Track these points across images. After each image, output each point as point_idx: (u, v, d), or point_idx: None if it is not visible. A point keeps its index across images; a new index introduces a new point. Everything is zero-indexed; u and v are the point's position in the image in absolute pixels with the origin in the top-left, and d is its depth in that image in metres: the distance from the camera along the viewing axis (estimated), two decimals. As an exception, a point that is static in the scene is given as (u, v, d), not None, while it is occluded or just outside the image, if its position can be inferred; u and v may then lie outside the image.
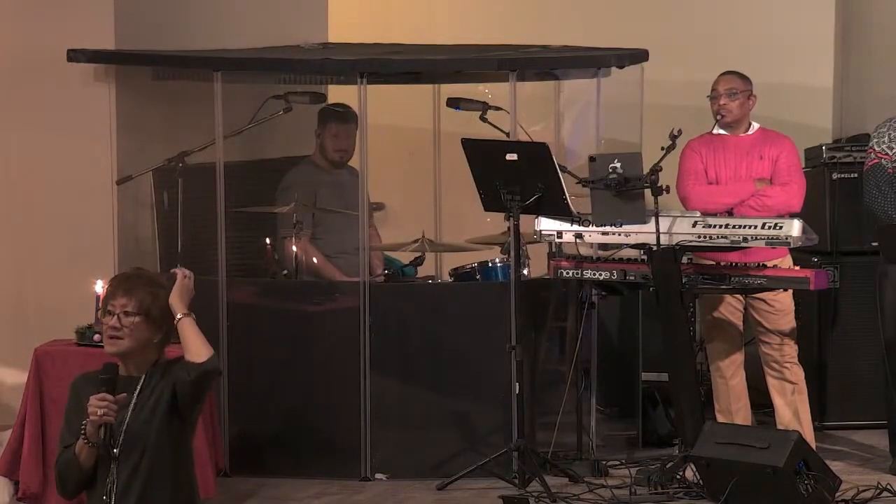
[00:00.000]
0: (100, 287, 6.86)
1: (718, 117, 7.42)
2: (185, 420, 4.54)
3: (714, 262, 7.22)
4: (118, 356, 4.53)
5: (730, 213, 7.27)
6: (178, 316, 4.54)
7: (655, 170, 6.99)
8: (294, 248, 7.65)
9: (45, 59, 7.65)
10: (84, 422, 4.43)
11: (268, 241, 7.80)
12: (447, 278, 7.96)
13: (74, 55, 7.58)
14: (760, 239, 7.05)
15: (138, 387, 4.50)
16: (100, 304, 4.60)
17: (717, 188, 7.37)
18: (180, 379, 4.46)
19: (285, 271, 7.70)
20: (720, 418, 7.38)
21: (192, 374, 4.45)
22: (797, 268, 7.18)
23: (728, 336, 7.41)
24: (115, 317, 4.50)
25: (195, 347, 4.48)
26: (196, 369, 4.45)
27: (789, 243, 7.02)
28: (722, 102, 7.41)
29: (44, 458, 6.72)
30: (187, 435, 4.58)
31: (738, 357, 7.43)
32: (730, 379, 7.40)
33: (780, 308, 7.34)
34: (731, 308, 7.41)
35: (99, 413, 4.38)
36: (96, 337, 6.82)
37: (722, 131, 7.48)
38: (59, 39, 7.58)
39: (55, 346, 6.93)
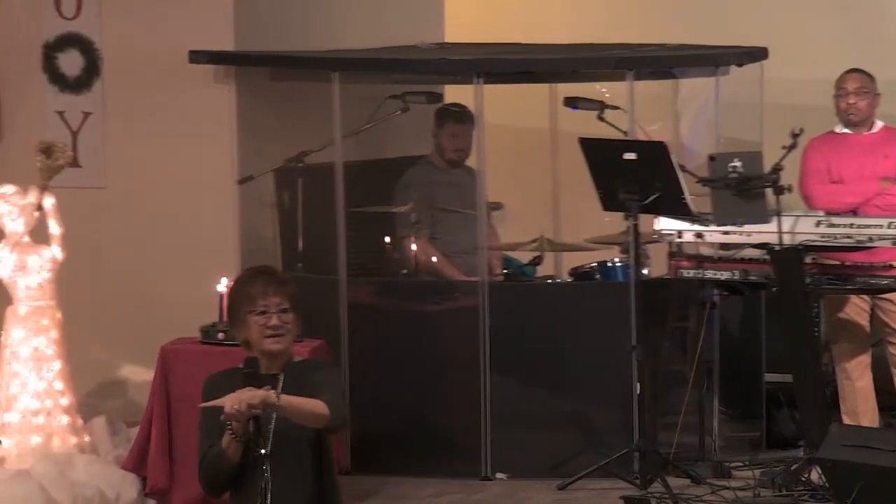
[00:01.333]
0: (223, 286, 6.94)
1: (850, 116, 7.33)
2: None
3: (839, 262, 7.13)
4: (277, 354, 4.48)
5: (854, 213, 7.19)
6: (276, 399, 4.35)
7: (777, 169, 6.93)
8: (413, 248, 7.67)
9: (167, 61, 7.74)
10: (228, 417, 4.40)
11: (387, 240, 7.82)
12: (566, 278, 7.94)
13: (196, 56, 7.67)
14: (887, 238, 6.96)
15: (280, 385, 4.47)
16: (242, 305, 4.46)
17: (841, 187, 7.29)
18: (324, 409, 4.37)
19: (404, 270, 7.72)
20: (846, 420, 7.29)
21: (331, 424, 4.42)
22: (925, 267, 7.08)
23: (854, 337, 7.33)
24: (273, 315, 4.45)
25: (314, 405, 4.39)
26: (332, 424, 4.42)
27: (917, 243, 6.93)
28: (851, 101, 7.33)
29: (170, 454, 6.80)
30: (329, 437, 4.57)
31: (865, 358, 7.34)
32: (856, 381, 7.32)
33: None
34: (856, 308, 7.33)
35: (242, 408, 4.32)
36: (220, 335, 6.90)
37: (845, 130, 7.40)
38: (181, 41, 7.67)
39: (180, 344, 7.01)
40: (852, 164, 7.33)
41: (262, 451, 4.37)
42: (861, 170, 7.32)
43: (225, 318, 4.71)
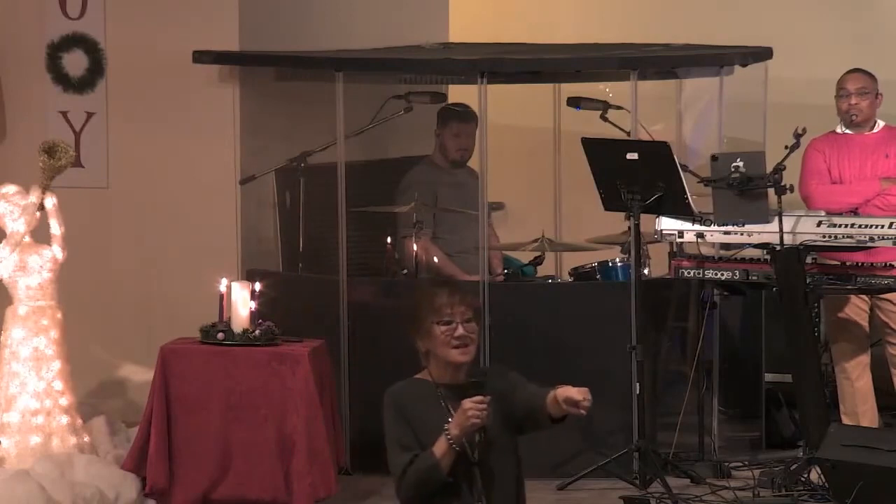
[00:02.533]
0: (224, 286, 6.96)
1: (853, 116, 7.30)
2: (520, 433, 4.54)
3: (839, 263, 7.12)
4: (461, 365, 4.44)
5: (855, 213, 7.17)
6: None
7: (779, 169, 6.92)
8: (415, 248, 7.68)
9: (171, 61, 7.76)
10: (447, 427, 4.36)
11: (389, 240, 7.83)
12: (567, 278, 7.94)
13: (200, 56, 7.69)
14: (888, 238, 6.95)
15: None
16: (427, 315, 4.46)
17: (842, 187, 7.28)
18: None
19: (405, 270, 7.73)
20: (846, 420, 7.28)
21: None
22: (925, 268, 7.07)
23: (854, 337, 7.31)
24: (459, 325, 4.43)
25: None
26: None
27: (917, 243, 6.92)
28: (853, 102, 7.31)
29: (170, 454, 6.82)
30: (518, 444, 4.55)
31: (864, 358, 7.32)
32: (856, 381, 7.30)
33: None
34: (856, 309, 7.31)
35: (480, 416, 4.31)
36: (220, 335, 6.93)
37: (847, 130, 7.38)
38: (185, 41, 7.69)
39: (180, 344, 7.02)
40: (853, 164, 7.32)
41: (474, 461, 4.35)
42: (862, 170, 7.30)
43: (412, 327, 4.52)
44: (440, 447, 4.33)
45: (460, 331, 4.42)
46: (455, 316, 4.42)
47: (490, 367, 4.63)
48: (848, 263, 7.08)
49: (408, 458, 4.40)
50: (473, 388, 4.34)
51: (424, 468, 4.35)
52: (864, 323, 7.32)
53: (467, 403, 4.31)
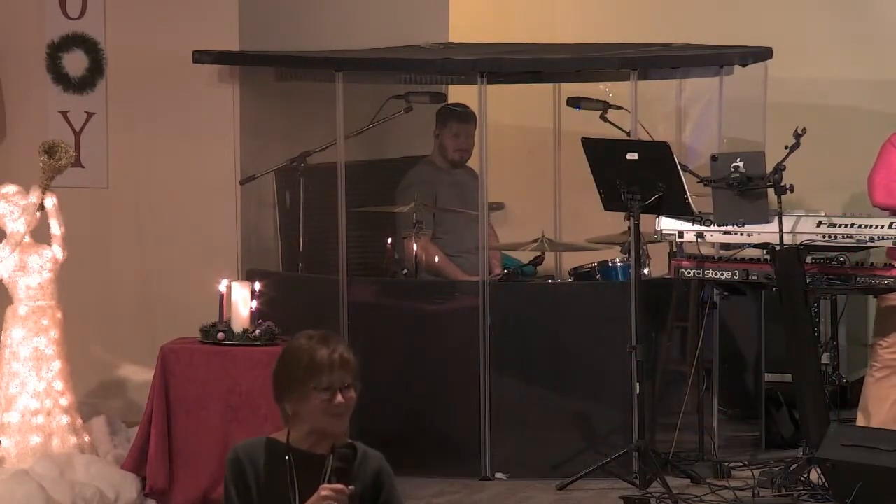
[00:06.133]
0: (224, 286, 6.97)
1: None
2: None
3: (839, 263, 7.10)
4: (333, 435, 4.04)
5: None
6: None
7: (779, 169, 6.91)
8: (415, 248, 7.69)
9: (170, 61, 7.76)
10: None
11: (389, 240, 7.84)
12: (567, 278, 7.94)
13: (200, 56, 7.69)
14: (888, 238, 6.94)
15: (328, 469, 4.02)
16: (305, 377, 4.00)
17: None
18: None
19: (405, 270, 7.73)
20: (860, 417, 7.23)
21: None
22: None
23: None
24: (338, 392, 4.00)
25: None
26: None
27: (917, 243, 6.90)
28: None
29: (170, 454, 6.83)
30: None
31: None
32: (878, 379, 7.22)
33: None
34: None
35: None
36: (220, 335, 6.93)
37: None
38: (186, 41, 7.69)
39: (180, 344, 7.03)
40: None
41: None
42: None
43: (276, 383, 4.08)
44: None
45: (339, 399, 4.00)
46: (335, 383, 4.00)
47: (367, 457, 4.08)
48: (847, 263, 7.05)
49: None
50: (337, 474, 3.92)
51: None
52: None
53: (325, 490, 3.89)
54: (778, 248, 6.96)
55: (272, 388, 4.12)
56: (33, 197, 6.96)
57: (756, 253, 7.26)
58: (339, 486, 3.93)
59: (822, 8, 8.86)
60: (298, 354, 4.07)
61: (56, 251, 6.97)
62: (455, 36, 8.89)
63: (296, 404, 4.05)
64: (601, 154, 7.18)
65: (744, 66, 7.75)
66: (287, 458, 4.02)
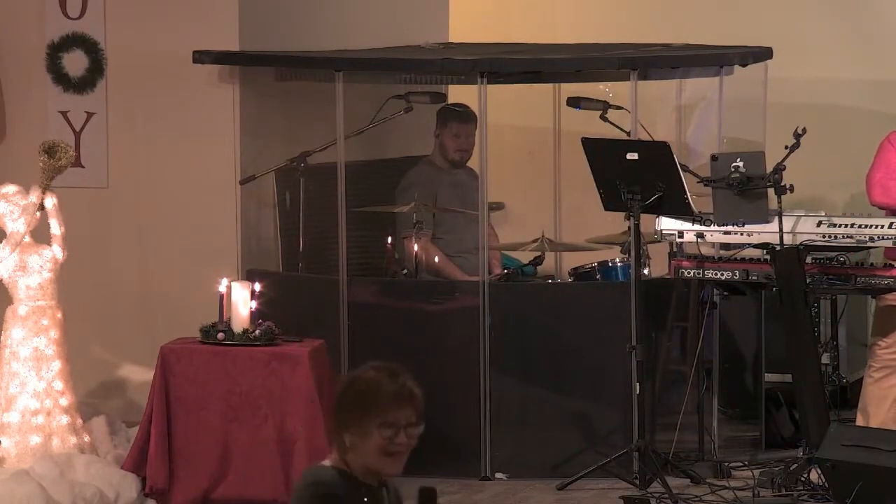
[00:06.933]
0: (224, 286, 6.97)
1: None
2: None
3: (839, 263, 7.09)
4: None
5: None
6: None
7: (779, 169, 6.91)
8: (415, 248, 7.68)
9: (171, 61, 7.76)
10: None
11: (389, 240, 7.83)
12: (567, 278, 7.94)
13: (200, 56, 7.68)
14: (888, 239, 6.94)
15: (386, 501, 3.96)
16: (371, 411, 3.87)
17: None
18: None
19: (405, 270, 7.73)
20: (859, 417, 7.23)
21: None
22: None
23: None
24: (401, 430, 3.89)
25: None
26: None
27: (917, 243, 6.89)
28: None
29: (170, 454, 6.83)
30: None
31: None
32: (877, 380, 7.21)
33: None
34: None
35: None
36: (220, 335, 6.93)
37: None
38: (186, 41, 7.69)
39: (180, 344, 7.02)
40: None
41: None
42: None
43: (337, 413, 3.91)
44: None
45: (402, 438, 3.89)
46: (400, 420, 3.88)
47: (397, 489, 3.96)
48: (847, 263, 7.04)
49: None
50: None
51: None
52: None
53: None
54: (778, 248, 6.96)
55: (331, 415, 3.97)
56: (33, 197, 6.96)
57: (756, 253, 7.26)
58: None
59: (822, 8, 8.85)
60: (365, 387, 3.94)
61: (56, 251, 6.96)
62: (455, 36, 8.88)
63: (356, 437, 3.89)
64: (601, 154, 7.18)
65: (744, 65, 7.75)
66: (365, 500, 3.88)
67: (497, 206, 8.38)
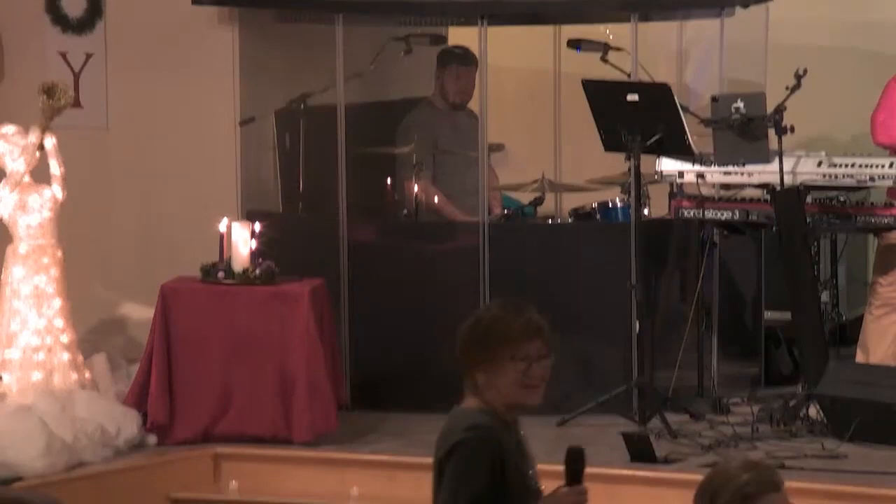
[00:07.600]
0: (224, 226, 6.97)
1: None
2: None
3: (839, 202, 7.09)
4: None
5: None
6: None
7: (779, 109, 6.90)
8: (415, 189, 7.68)
9: (169, 2, 7.73)
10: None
11: (389, 181, 7.83)
12: (567, 218, 7.94)
13: (199, -2, 7.66)
14: (888, 178, 6.94)
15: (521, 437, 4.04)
16: (502, 346, 3.94)
17: None
18: None
19: (405, 211, 7.73)
20: (859, 353, 7.23)
21: None
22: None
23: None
24: (533, 363, 3.99)
25: None
26: None
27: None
28: None
29: (170, 391, 6.85)
30: None
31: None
32: (878, 317, 7.21)
33: None
34: None
35: None
36: (220, 274, 6.95)
37: None
38: (185, -18, 7.66)
39: (181, 282, 7.04)
40: None
41: None
42: None
43: (468, 353, 3.96)
44: None
45: (536, 370, 3.98)
46: (531, 352, 3.97)
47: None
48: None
49: None
50: (575, 477, 3.89)
51: None
52: None
53: (573, 495, 3.88)
54: (778, 188, 6.95)
55: (461, 357, 4.02)
56: (33, 137, 6.96)
57: (756, 193, 7.26)
58: (582, 487, 3.93)
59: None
60: (492, 324, 4.00)
61: (56, 191, 6.97)
62: (455, -22, 8.83)
63: (490, 375, 3.96)
64: (602, 96, 7.16)
65: (745, 7, 7.72)
66: (521, 432, 3.96)
67: (497, 148, 8.37)
